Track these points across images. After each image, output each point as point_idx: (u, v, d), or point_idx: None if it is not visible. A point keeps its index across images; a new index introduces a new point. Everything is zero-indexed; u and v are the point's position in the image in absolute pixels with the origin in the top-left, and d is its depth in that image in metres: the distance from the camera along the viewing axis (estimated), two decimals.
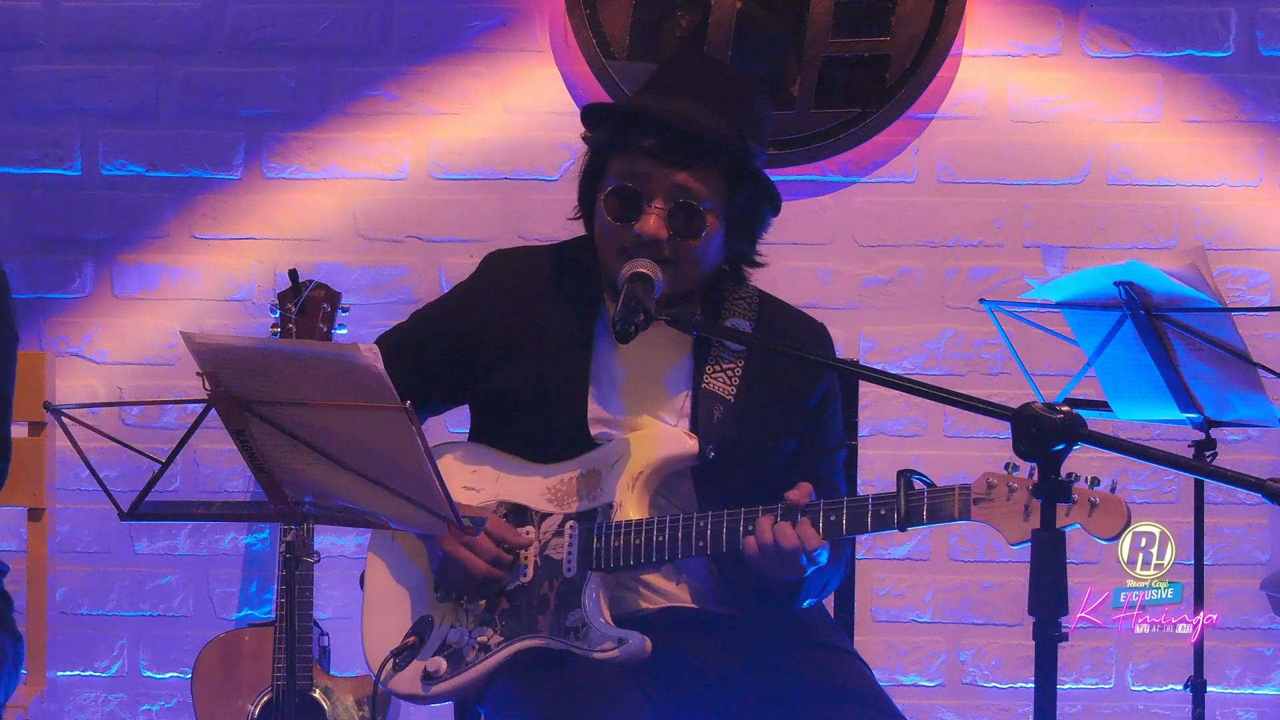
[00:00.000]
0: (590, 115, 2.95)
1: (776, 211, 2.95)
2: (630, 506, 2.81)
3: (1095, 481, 2.56)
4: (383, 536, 2.98)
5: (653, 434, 2.86)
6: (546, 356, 2.92)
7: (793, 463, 2.93)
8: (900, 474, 2.66)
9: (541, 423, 2.91)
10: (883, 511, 2.66)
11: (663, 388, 2.93)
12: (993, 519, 2.61)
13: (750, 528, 2.73)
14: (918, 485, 2.66)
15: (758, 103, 2.94)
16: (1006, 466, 2.59)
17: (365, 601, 2.95)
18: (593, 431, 2.90)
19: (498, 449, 2.96)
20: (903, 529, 2.66)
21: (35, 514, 3.80)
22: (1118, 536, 2.54)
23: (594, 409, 2.91)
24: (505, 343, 2.95)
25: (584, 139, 2.97)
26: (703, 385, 2.90)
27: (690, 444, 2.84)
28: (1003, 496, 2.60)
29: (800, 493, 2.73)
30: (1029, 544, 2.48)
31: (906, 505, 2.65)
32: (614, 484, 2.83)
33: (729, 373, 2.91)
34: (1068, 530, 2.49)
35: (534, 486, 2.89)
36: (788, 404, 2.93)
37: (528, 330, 2.94)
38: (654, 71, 3.02)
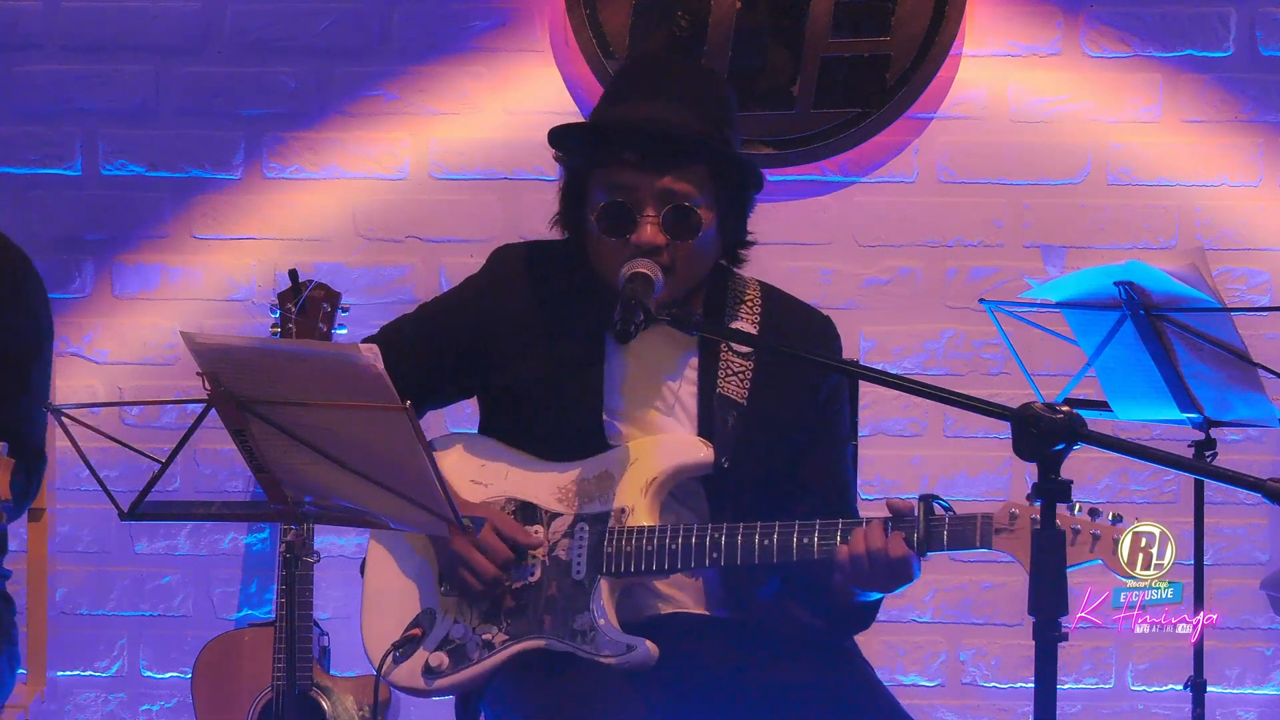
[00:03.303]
0: (559, 136, 2.92)
1: (760, 189, 2.93)
2: (642, 512, 2.79)
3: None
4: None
5: (668, 440, 2.84)
6: (559, 352, 2.90)
7: (805, 461, 2.92)
8: (922, 499, 2.66)
9: (555, 419, 2.89)
10: (903, 534, 2.66)
11: (672, 388, 2.91)
12: (1014, 550, 2.61)
13: (768, 541, 2.71)
14: (939, 510, 2.65)
15: (723, 88, 2.94)
16: (1029, 497, 2.58)
17: (365, 591, 2.93)
18: (607, 432, 2.89)
19: (507, 444, 2.94)
20: (921, 554, 2.66)
21: (35, 514, 3.80)
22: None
23: (609, 408, 2.89)
24: (517, 337, 2.93)
25: (557, 159, 2.95)
26: (717, 390, 2.88)
27: (706, 453, 2.83)
28: (1025, 529, 2.59)
29: (903, 504, 2.71)
30: None
31: (927, 529, 2.65)
32: (627, 488, 2.81)
33: (741, 375, 2.89)
34: (1088, 565, 2.51)
35: (544, 484, 2.88)
36: (799, 403, 2.92)
37: (539, 325, 2.93)
38: (613, 80, 3.01)
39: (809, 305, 3.06)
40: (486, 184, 4.38)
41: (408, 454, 2.49)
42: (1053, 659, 2.24)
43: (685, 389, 2.91)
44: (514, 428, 2.94)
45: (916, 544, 2.65)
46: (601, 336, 2.90)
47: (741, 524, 2.74)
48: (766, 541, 2.72)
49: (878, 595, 2.78)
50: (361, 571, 2.97)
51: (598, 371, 2.89)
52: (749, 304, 2.96)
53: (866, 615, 2.87)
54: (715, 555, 2.75)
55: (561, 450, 2.89)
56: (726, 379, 2.89)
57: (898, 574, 2.68)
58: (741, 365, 2.90)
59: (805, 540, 2.71)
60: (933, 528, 2.64)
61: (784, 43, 4.30)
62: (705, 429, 2.88)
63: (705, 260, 2.89)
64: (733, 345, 2.89)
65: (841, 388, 2.99)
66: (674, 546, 2.76)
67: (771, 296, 3.01)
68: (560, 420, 2.89)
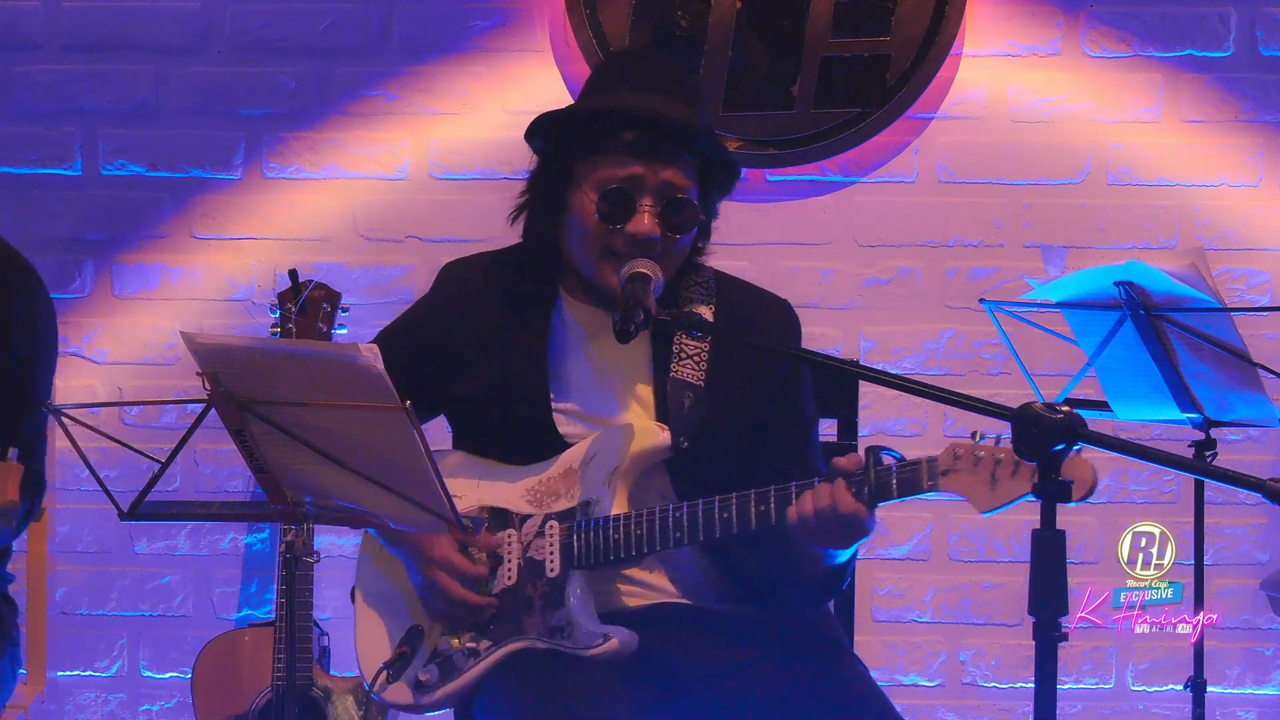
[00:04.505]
0: (555, 121, 2.92)
1: (729, 193, 2.95)
2: (609, 503, 2.81)
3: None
4: (367, 553, 2.99)
5: (625, 429, 2.85)
6: (504, 359, 2.93)
7: (768, 440, 2.93)
8: (868, 450, 2.65)
9: (509, 425, 2.92)
10: (852, 490, 2.65)
11: (627, 378, 2.93)
12: (960, 488, 2.59)
13: (727, 514, 2.72)
14: (886, 460, 2.64)
15: (698, 85, 2.97)
16: (973, 435, 2.58)
17: (357, 614, 2.97)
18: (561, 430, 2.90)
19: (476, 454, 2.97)
20: (872, 505, 2.64)
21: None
22: (1087, 498, 2.49)
23: (560, 407, 2.91)
24: (467, 349, 2.96)
25: (538, 148, 2.94)
26: (671, 374, 2.90)
27: (662, 437, 2.84)
28: (969, 466, 2.58)
29: (850, 461, 2.69)
30: (997, 511, 2.50)
31: (876, 479, 2.64)
32: (591, 481, 2.83)
33: (696, 358, 2.91)
34: (1025, 500, 2.48)
35: (513, 489, 2.90)
36: (757, 381, 2.93)
37: (486, 334, 2.95)
38: (600, 71, 3.02)
39: (765, 290, 3.07)
40: (486, 184, 4.38)
41: (408, 454, 2.49)
42: (1053, 659, 2.24)
43: (640, 377, 2.93)
44: (479, 438, 2.97)
45: (867, 497, 2.63)
46: (546, 338, 2.93)
47: (700, 500, 2.75)
48: (726, 514, 2.73)
49: (845, 557, 2.77)
50: (353, 599, 2.99)
51: (542, 373, 2.91)
52: (703, 293, 2.97)
53: (836, 579, 2.85)
54: (678, 534, 2.76)
55: (524, 453, 2.91)
56: (681, 363, 2.91)
57: (851, 528, 2.66)
58: (696, 348, 2.91)
59: (762, 508, 2.71)
60: (881, 478, 2.63)
61: (784, 43, 4.30)
62: (662, 414, 2.89)
63: (685, 255, 2.92)
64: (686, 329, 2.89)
65: (800, 367, 3.00)
66: (638, 532, 2.77)
67: (726, 283, 3.02)
68: (516, 424, 2.92)
